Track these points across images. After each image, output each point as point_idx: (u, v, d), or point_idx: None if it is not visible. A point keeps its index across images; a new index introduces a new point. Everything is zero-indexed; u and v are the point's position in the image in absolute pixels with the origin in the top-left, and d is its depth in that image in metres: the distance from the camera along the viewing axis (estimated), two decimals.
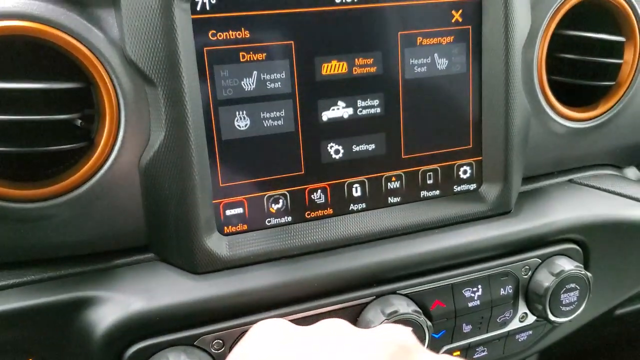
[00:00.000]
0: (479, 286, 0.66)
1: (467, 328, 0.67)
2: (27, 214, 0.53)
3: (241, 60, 0.56)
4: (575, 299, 0.69)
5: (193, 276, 0.57)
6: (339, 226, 0.63)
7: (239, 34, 0.55)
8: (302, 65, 0.58)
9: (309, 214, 0.63)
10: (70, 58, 0.52)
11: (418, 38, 0.62)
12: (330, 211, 0.63)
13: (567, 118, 0.72)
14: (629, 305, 0.90)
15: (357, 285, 0.61)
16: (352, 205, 0.64)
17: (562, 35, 0.70)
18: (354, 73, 0.60)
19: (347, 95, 0.61)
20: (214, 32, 0.54)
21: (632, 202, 0.74)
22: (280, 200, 0.61)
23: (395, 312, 0.59)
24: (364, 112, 0.62)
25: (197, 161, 0.55)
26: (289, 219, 0.62)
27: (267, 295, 0.58)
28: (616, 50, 0.73)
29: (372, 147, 0.63)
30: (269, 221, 0.61)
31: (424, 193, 0.67)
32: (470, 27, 0.64)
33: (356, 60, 0.60)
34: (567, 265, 0.67)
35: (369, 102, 0.62)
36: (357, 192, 0.64)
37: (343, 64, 0.60)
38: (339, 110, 0.61)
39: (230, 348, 0.56)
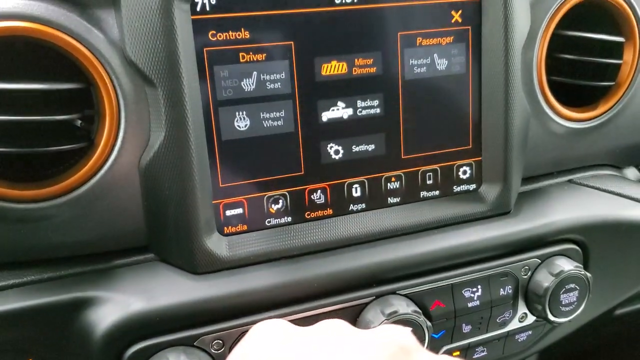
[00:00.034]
0: (479, 286, 0.66)
1: (466, 328, 0.68)
2: (27, 215, 0.53)
3: (241, 60, 0.56)
4: (574, 299, 0.69)
5: (193, 276, 0.57)
6: (338, 226, 0.63)
7: (239, 35, 0.55)
8: (301, 66, 0.58)
9: (308, 214, 0.63)
10: (70, 59, 0.52)
11: (418, 38, 0.62)
12: (330, 211, 0.63)
13: (566, 118, 0.73)
14: (629, 305, 0.90)
15: (357, 286, 0.61)
16: (351, 205, 0.64)
17: (561, 36, 0.70)
18: (354, 73, 0.60)
19: (346, 95, 0.61)
20: (214, 32, 0.54)
21: (631, 203, 0.74)
22: (280, 201, 0.61)
23: (395, 312, 0.59)
24: (364, 112, 0.62)
25: (197, 162, 0.55)
26: (289, 219, 0.62)
27: (266, 295, 0.58)
28: (616, 50, 0.73)
29: (371, 147, 0.63)
30: (269, 221, 0.61)
31: (423, 193, 0.67)
32: (469, 27, 0.64)
33: (356, 60, 0.60)
34: (566, 265, 0.68)
35: (368, 103, 0.62)
36: (356, 192, 0.64)
37: (343, 65, 0.60)
38: (339, 111, 0.61)
39: (230, 348, 0.57)
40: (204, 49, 0.54)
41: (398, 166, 0.65)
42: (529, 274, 0.69)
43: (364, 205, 0.65)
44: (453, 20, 0.63)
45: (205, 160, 0.56)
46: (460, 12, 0.63)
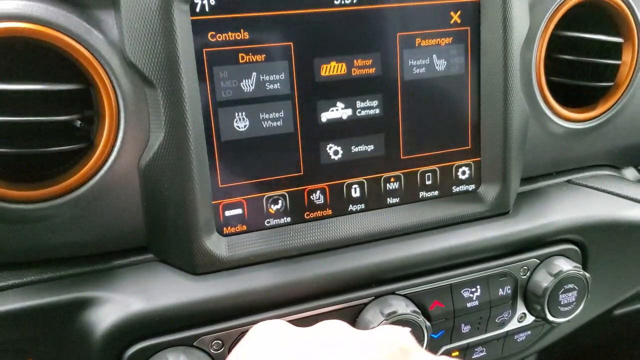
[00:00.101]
0: (478, 286, 0.66)
1: (465, 328, 0.68)
2: (27, 215, 0.53)
3: (240, 61, 0.56)
4: (573, 299, 0.69)
5: (192, 277, 0.57)
6: (338, 227, 0.63)
7: (238, 35, 0.55)
8: (301, 67, 0.58)
9: (308, 215, 0.63)
10: (70, 60, 0.52)
11: (417, 39, 0.62)
12: (330, 212, 0.63)
13: (565, 119, 0.73)
14: (628, 305, 0.90)
15: (356, 286, 0.61)
16: (351, 205, 0.64)
17: (560, 37, 0.70)
18: (353, 74, 0.61)
19: (346, 96, 0.61)
20: (213, 33, 0.54)
21: (630, 203, 0.74)
22: (280, 201, 0.61)
23: (394, 312, 0.59)
24: (363, 113, 0.62)
25: (197, 162, 0.55)
26: (288, 219, 0.62)
27: (266, 295, 0.58)
28: (614, 51, 0.73)
29: (371, 147, 0.63)
30: (268, 222, 0.61)
31: (422, 194, 0.67)
32: (468, 28, 0.64)
33: (355, 61, 0.60)
34: (565, 265, 0.68)
35: (367, 103, 0.62)
36: (356, 192, 0.64)
37: (342, 65, 0.60)
38: (338, 111, 0.61)
39: (230, 349, 0.57)
40: (204, 50, 0.54)
41: (397, 167, 0.65)
42: (527, 274, 0.69)
43: (363, 206, 0.65)
44: (452, 21, 0.63)
45: (205, 160, 0.56)
46: (459, 12, 0.63)
